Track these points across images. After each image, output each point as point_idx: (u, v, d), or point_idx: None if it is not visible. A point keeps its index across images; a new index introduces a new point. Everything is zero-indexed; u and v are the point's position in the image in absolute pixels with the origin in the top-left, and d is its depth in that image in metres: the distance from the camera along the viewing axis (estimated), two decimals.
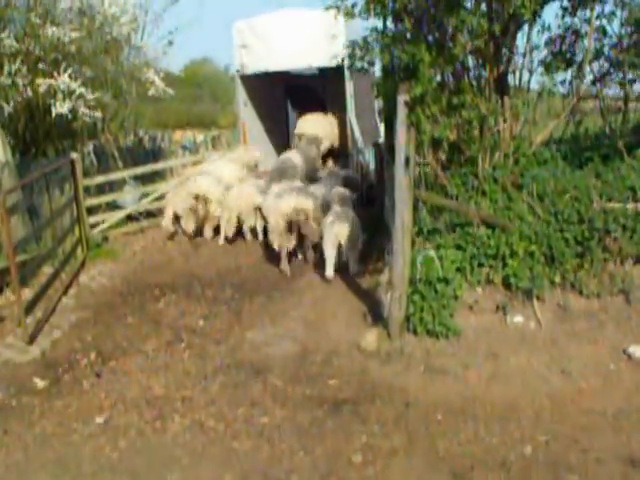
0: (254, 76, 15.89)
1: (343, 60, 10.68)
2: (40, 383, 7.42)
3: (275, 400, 6.70)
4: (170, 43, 18.16)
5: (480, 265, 7.71)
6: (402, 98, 7.05)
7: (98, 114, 14.30)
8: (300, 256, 11.46)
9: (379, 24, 9.18)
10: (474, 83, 8.02)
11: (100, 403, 6.89)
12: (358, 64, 9.71)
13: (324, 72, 18.67)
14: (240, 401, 6.72)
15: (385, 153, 10.69)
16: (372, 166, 14.81)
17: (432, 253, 7.43)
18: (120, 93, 17.67)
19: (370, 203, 14.52)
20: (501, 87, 8.21)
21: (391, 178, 10.64)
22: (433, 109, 7.01)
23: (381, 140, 16.82)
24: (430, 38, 7.98)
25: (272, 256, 11.79)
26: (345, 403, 6.57)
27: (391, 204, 9.51)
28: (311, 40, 14.85)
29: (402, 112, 7.07)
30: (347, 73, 14.89)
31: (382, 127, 17.92)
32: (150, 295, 10.05)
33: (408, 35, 7.60)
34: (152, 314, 9.28)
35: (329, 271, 10.14)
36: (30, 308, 9.02)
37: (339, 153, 17.19)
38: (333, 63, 14.51)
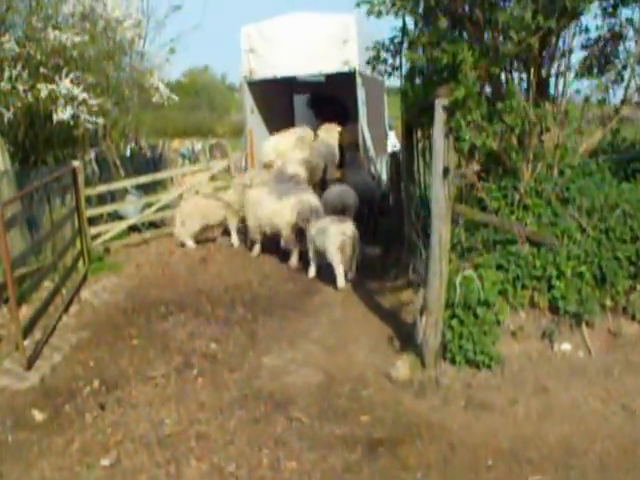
0: (262, 82, 15.09)
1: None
2: (39, 415, 6.57)
3: (302, 439, 5.86)
4: (172, 51, 17.44)
5: (524, 287, 6.90)
6: (441, 102, 6.25)
7: (100, 120, 13.46)
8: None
9: (403, 24, 8.43)
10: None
11: (105, 440, 6.05)
12: (381, 67, 8.95)
13: (331, 79, 17.92)
14: (262, 440, 5.87)
15: (403, 162, 9.88)
16: (384, 176, 14.04)
17: (472, 274, 6.62)
18: (122, 100, 16.85)
19: (382, 214, 13.74)
20: (542, 91, 7.42)
21: (408, 189, 9.93)
22: (474, 115, 6.20)
23: (392, 148, 16.08)
24: (467, 36, 7.19)
25: (282, 270, 11.02)
26: (381, 444, 5.73)
27: (416, 217, 8.76)
28: (322, 45, 14.07)
29: (440, 118, 6.27)
30: (359, 79, 14.12)
31: (392, 135, 17.23)
32: (156, 313, 9.22)
33: (446, 34, 6.79)
34: (159, 335, 8.45)
35: (340, 281, 9.83)
36: (29, 328, 8.21)
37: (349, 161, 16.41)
38: (345, 69, 13.79)
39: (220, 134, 54.33)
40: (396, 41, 8.50)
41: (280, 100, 17.26)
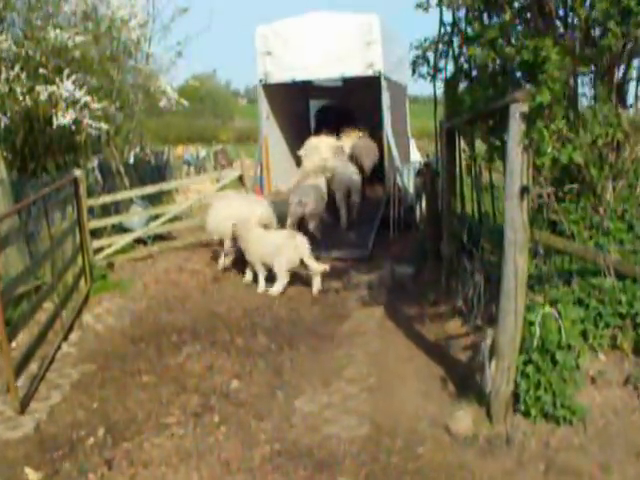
0: (278, 86, 13.98)
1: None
2: (33, 476, 5.45)
3: None
4: (179, 54, 16.37)
5: (606, 326, 5.78)
6: (518, 109, 5.14)
7: (104, 126, 12.36)
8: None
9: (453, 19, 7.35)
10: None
11: None
12: (423, 70, 7.89)
13: (349, 83, 16.84)
14: None
15: (443, 174, 8.77)
16: (410, 187, 12.97)
17: (552, 311, 5.51)
18: (127, 104, 15.75)
19: (408, 227, 12.68)
20: (620, 97, 6.32)
21: (449, 205, 8.82)
22: (560, 123, 5.10)
23: (414, 157, 14.99)
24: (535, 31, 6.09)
25: (304, 291, 9.93)
26: None
27: (468, 238, 7.68)
28: (343, 47, 12.99)
29: (518, 127, 5.16)
30: (384, 83, 13.03)
31: (413, 144, 16.12)
32: (168, 343, 8.11)
33: (519, 27, 5.70)
34: (172, 370, 7.33)
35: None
36: (24, 360, 7.11)
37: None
38: (368, 72, 12.72)
39: (224, 140, 53.49)
40: (445, 39, 7.40)
41: (296, 105, 16.17)
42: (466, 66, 7.53)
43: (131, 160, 17.93)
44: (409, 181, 13.20)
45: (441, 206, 10.27)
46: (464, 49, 7.09)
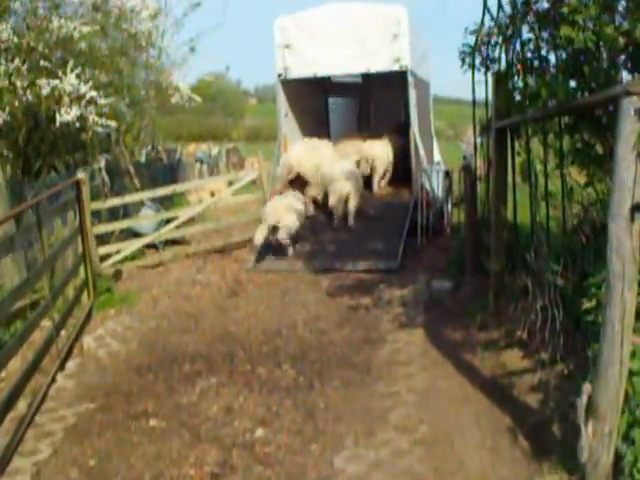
0: (297, 82, 12.65)
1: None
2: None
3: None
4: (192, 49, 15.07)
5: None
6: (633, 104, 3.81)
7: (112, 123, 11.07)
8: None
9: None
10: None
11: None
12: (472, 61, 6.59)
13: (369, 79, 15.53)
14: None
15: (496, 181, 7.43)
16: (438, 190, 11.65)
17: None
18: (138, 100, 14.45)
19: (436, 233, 11.38)
20: None
21: (499, 215, 7.49)
22: None
23: (436, 158, 13.67)
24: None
25: (332, 307, 8.67)
26: None
27: (533, 257, 6.35)
28: (369, 40, 11.67)
29: (631, 128, 3.83)
30: (411, 79, 11.71)
31: (435, 144, 14.78)
32: (179, 374, 6.84)
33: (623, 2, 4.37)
34: (184, 411, 6.04)
35: None
36: (13, 396, 5.81)
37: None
38: (395, 67, 11.41)
39: (235, 138, 52.40)
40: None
41: (315, 103, 14.83)
42: (530, 55, 6.18)
43: (143, 159, 16.71)
44: (436, 184, 11.87)
45: (483, 214, 8.98)
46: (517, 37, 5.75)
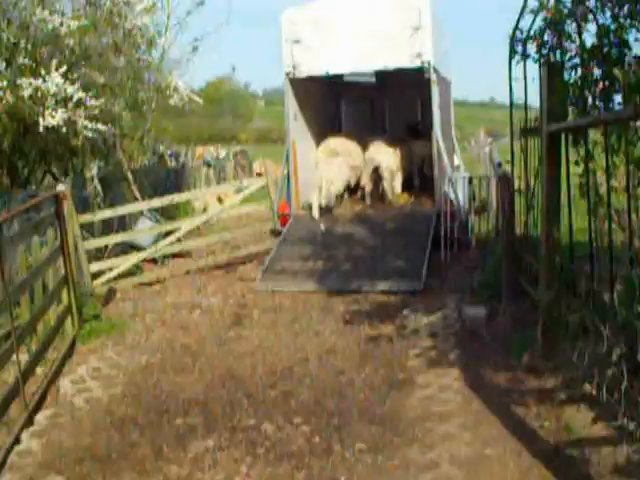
0: (307, 81, 11.26)
1: None
2: None
3: None
4: (195, 49, 13.70)
5: None
6: None
7: (102, 127, 9.72)
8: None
9: None
10: None
11: None
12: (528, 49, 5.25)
13: (383, 78, 14.15)
14: None
15: (547, 195, 6.04)
16: (461, 199, 10.28)
17: None
18: (137, 102, 13.10)
19: (461, 247, 10.03)
20: None
21: (551, 236, 6.12)
22: None
23: (456, 163, 12.28)
24: None
25: (348, 337, 7.33)
26: None
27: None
28: (387, 33, 10.27)
29: None
30: (434, 77, 10.32)
31: (457, 149, 13.39)
32: (170, 431, 5.50)
33: None
34: None
35: None
36: None
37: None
38: (416, 63, 10.04)
39: (243, 140, 51.20)
40: None
41: (326, 104, 13.42)
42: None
43: (147, 163, 15.39)
44: (460, 192, 10.48)
45: (524, 230, 7.63)
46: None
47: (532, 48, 5.72)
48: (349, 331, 7.60)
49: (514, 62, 7.04)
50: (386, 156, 11.70)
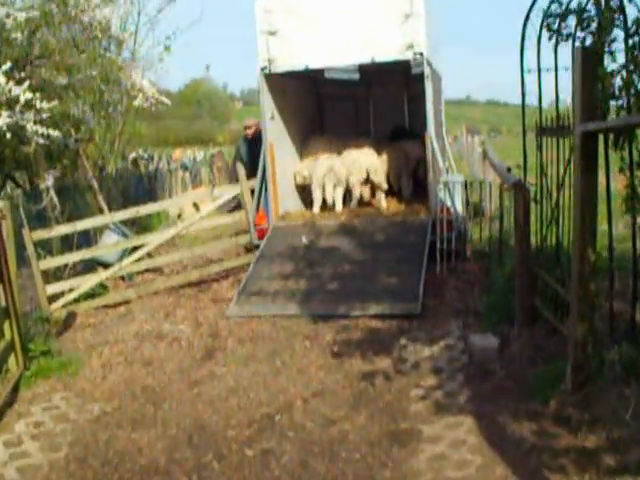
0: (286, 77, 10.05)
1: None
2: None
3: None
4: (167, 48, 12.56)
5: None
6: None
7: (54, 133, 8.51)
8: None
9: None
10: None
11: None
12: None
13: (368, 74, 13.02)
14: None
15: (580, 208, 4.88)
16: (458, 205, 9.15)
17: None
18: (101, 104, 11.88)
19: (458, 259, 8.91)
20: None
21: (584, 257, 4.97)
22: None
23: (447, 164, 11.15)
24: None
25: (339, 375, 6.20)
26: None
27: None
28: (373, 21, 9.08)
29: None
30: (427, 70, 9.16)
31: (449, 149, 12.25)
32: None
33: None
34: None
35: None
36: None
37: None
38: (407, 55, 8.89)
39: (221, 142, 49.95)
40: None
41: (306, 103, 12.21)
42: None
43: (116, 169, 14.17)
44: (456, 198, 9.33)
45: (537, 245, 6.52)
46: None
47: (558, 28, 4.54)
48: (338, 366, 6.44)
49: (526, 45, 5.97)
50: (374, 159, 10.54)
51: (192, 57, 47.19)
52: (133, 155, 19.45)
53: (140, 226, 13.26)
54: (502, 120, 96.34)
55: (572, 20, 4.56)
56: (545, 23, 4.71)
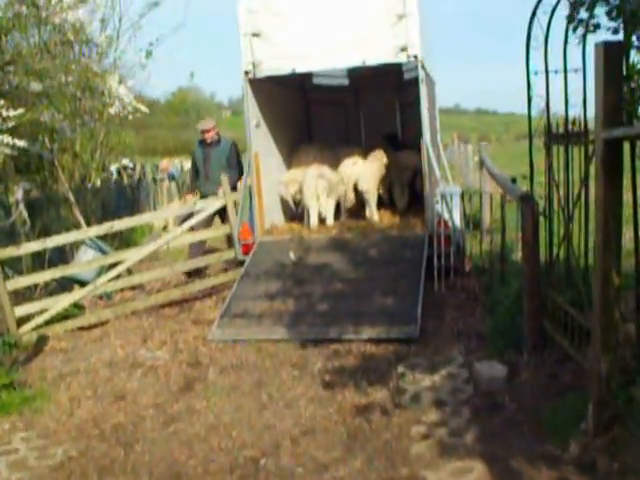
0: (272, 81, 9.42)
1: None
2: None
3: None
4: (149, 54, 11.95)
5: None
6: None
7: (21, 143, 7.88)
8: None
9: None
10: None
11: None
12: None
13: (357, 79, 12.46)
14: None
15: (604, 225, 4.26)
16: (456, 218, 8.55)
17: None
18: (77, 112, 11.26)
19: (457, 274, 8.31)
20: None
21: (605, 280, 4.36)
22: None
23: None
24: None
25: (329, 409, 5.58)
26: None
27: None
28: (364, 22, 8.48)
29: None
30: (422, 73, 8.56)
31: (444, 158, 11.64)
32: None
33: None
34: None
35: None
36: None
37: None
38: (401, 58, 8.30)
39: None
40: None
41: (294, 110, 11.59)
42: None
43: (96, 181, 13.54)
44: (455, 209, 8.72)
45: (549, 261, 5.93)
46: None
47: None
48: (330, 399, 5.81)
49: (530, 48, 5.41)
50: (365, 170, 9.92)
51: (178, 66, 46.57)
52: (116, 165, 18.84)
53: (121, 240, 12.64)
54: (491, 128, 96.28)
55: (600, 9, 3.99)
56: (571, 12, 4.12)
